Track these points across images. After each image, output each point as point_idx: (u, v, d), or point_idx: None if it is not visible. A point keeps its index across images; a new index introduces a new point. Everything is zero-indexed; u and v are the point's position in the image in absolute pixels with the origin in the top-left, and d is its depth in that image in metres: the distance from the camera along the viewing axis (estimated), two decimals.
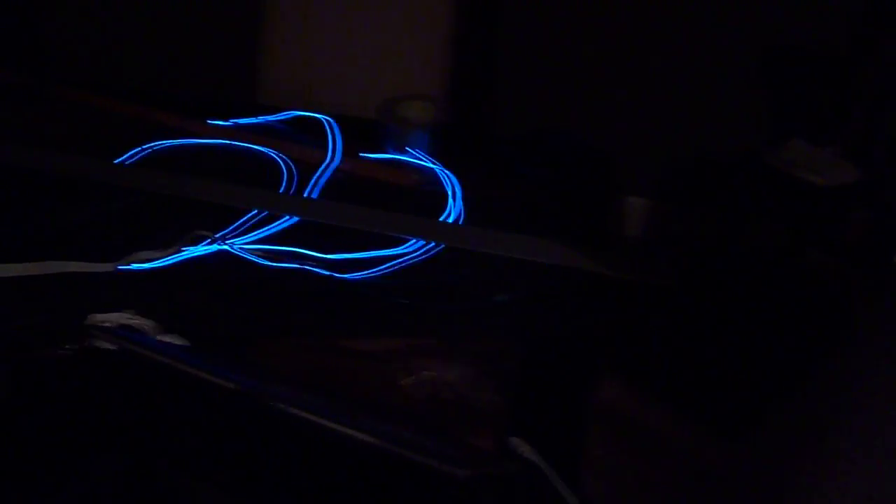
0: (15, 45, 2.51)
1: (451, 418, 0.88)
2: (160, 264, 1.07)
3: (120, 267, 1.06)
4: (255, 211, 1.17)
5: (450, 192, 1.23)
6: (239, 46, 1.79)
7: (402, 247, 1.12)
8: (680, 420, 1.59)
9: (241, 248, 1.09)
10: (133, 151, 1.31)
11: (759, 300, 1.78)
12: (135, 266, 1.06)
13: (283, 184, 1.25)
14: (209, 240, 1.10)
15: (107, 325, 0.96)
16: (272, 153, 1.32)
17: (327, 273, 1.06)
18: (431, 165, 1.29)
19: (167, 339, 0.94)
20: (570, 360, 0.99)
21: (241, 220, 1.15)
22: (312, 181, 1.25)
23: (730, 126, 2.15)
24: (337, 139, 1.35)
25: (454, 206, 1.21)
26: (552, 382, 0.95)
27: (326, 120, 1.39)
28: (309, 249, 1.09)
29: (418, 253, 1.10)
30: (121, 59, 2.38)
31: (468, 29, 1.72)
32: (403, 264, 1.09)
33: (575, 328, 1.04)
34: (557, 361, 0.99)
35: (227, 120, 1.40)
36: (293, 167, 1.29)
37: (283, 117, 1.43)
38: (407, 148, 1.33)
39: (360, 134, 1.37)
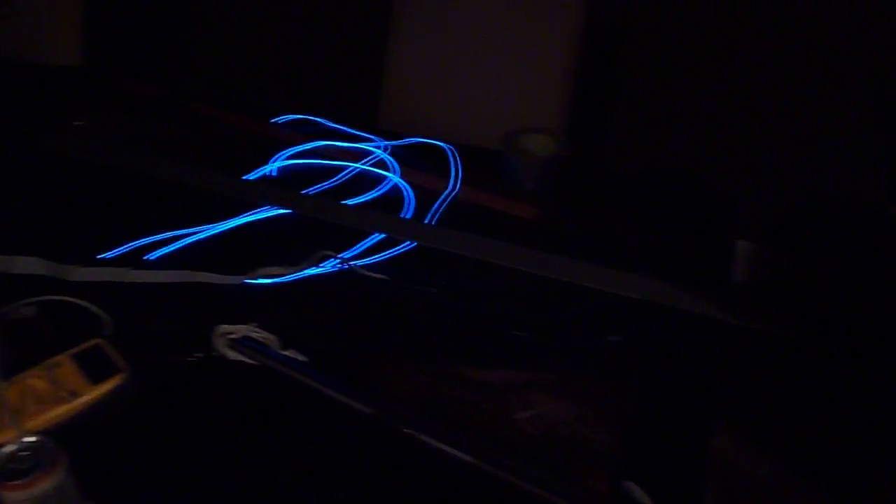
0: (158, 62, 2.65)
1: (564, 456, 0.87)
2: (285, 280, 1.10)
3: (246, 281, 1.09)
4: (378, 234, 1.19)
5: (566, 227, 1.23)
6: (364, 71, 1.83)
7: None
8: (794, 476, 1.53)
9: (363, 270, 1.11)
10: (262, 169, 1.35)
11: (882, 357, 1.71)
12: (261, 281, 1.09)
13: (404, 208, 1.27)
14: (333, 260, 1.12)
15: (233, 336, 0.99)
16: (394, 178, 1.34)
17: (447, 300, 1.07)
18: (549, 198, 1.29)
19: (287, 354, 0.97)
20: (686, 406, 0.97)
21: (364, 243, 1.17)
22: (434, 208, 1.26)
23: (852, 177, 2.08)
24: (458, 167, 1.36)
25: (570, 240, 1.21)
26: (667, 427, 0.93)
27: (448, 148, 1.40)
28: (429, 275, 1.10)
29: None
30: (252, 80, 2.48)
31: (590, 64, 1.72)
32: (521, 296, 1.09)
33: (691, 374, 1.02)
34: (673, 406, 0.97)
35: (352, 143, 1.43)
36: (413, 193, 1.30)
37: (404, 143, 1.45)
38: (527, 180, 1.34)
39: (479, 163, 1.38)
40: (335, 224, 1.23)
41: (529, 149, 1.38)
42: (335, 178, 1.34)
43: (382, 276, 1.11)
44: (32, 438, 0.73)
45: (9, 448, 0.73)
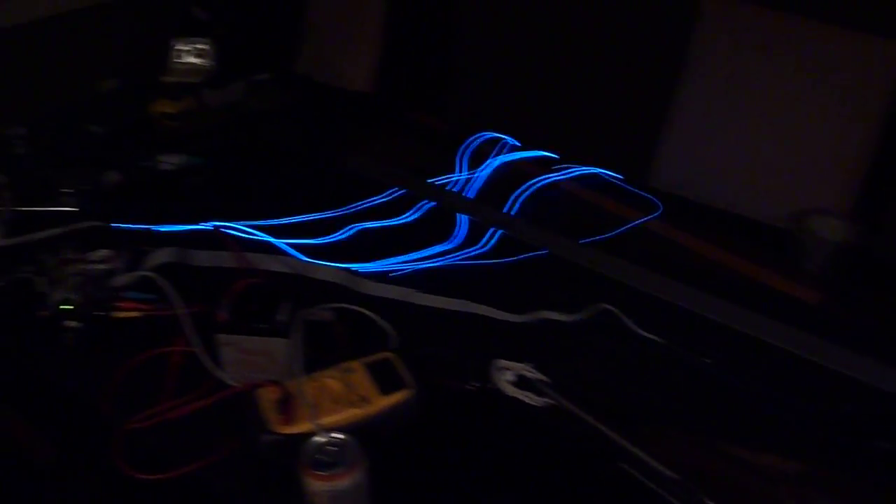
0: (441, 96, 2.80)
1: None
2: (564, 322, 1.11)
3: (526, 320, 1.12)
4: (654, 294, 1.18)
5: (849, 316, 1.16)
6: (643, 126, 1.83)
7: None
8: None
9: (639, 329, 1.10)
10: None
11: None
12: (539, 322, 1.11)
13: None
14: (608, 314, 1.12)
15: (509, 371, 1.01)
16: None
17: (722, 373, 1.04)
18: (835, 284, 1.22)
19: (555, 399, 0.97)
20: None
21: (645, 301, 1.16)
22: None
23: None
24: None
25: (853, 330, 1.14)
26: None
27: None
28: (705, 345, 1.08)
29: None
30: (528, 119, 2.54)
31: (886, 150, 1.62)
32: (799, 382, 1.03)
33: None
34: None
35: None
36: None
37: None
38: (813, 263, 1.28)
39: (759, 238, 1.34)
40: (613, 278, 1.22)
41: (819, 231, 1.31)
42: (611, 232, 1.35)
43: (658, 339, 1.09)
44: (340, 436, 0.78)
45: (319, 440, 0.78)
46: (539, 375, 1.01)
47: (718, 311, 1.16)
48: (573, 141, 1.94)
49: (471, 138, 1.60)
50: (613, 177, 1.51)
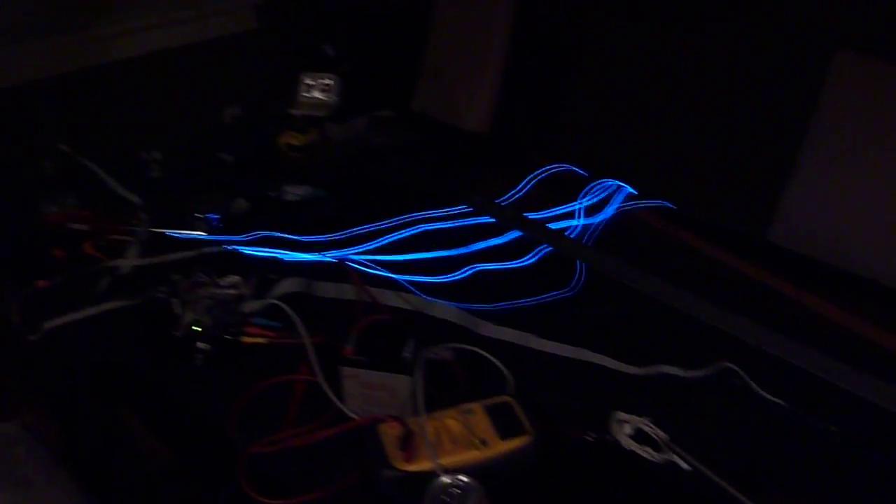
0: (548, 137, 2.82)
1: None
2: (682, 378, 1.09)
3: (643, 373, 1.11)
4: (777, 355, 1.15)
5: None
6: (765, 184, 1.80)
7: None
8: None
9: (761, 391, 1.08)
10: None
11: None
12: (657, 375, 1.10)
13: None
14: (731, 373, 1.10)
15: (627, 424, 1.00)
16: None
17: (847, 443, 1.00)
18: None
19: (674, 456, 0.96)
20: None
21: (763, 361, 1.13)
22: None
23: None
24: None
25: None
26: None
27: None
28: (830, 412, 1.04)
29: None
30: (646, 170, 2.53)
31: None
32: None
33: None
34: None
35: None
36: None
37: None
38: None
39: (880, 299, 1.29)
40: (736, 337, 1.20)
41: None
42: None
43: (782, 402, 1.06)
44: (465, 479, 0.79)
45: (444, 480, 0.79)
46: (658, 430, 1.00)
47: (845, 377, 1.12)
48: (692, 192, 1.92)
49: (592, 184, 1.60)
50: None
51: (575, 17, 2.75)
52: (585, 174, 1.64)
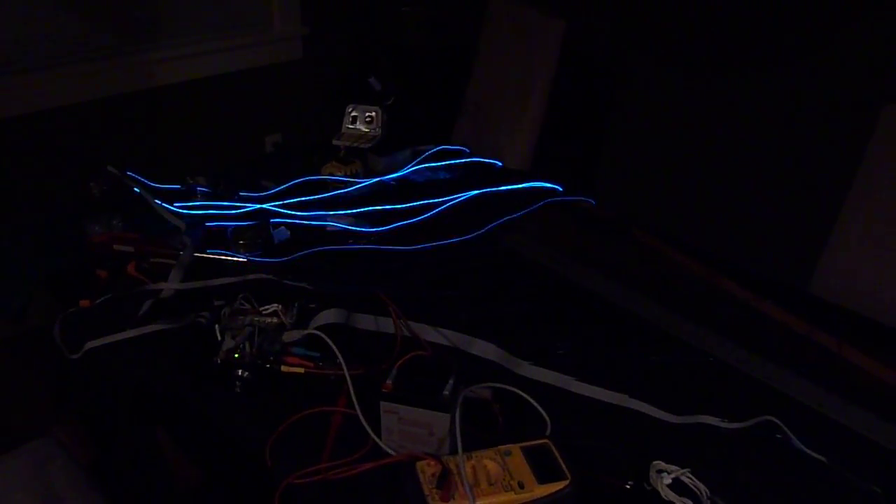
0: (590, 183, 2.83)
1: None
2: (723, 430, 1.08)
3: (683, 422, 1.09)
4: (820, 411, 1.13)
5: None
6: (807, 235, 1.79)
7: None
8: None
9: (802, 446, 1.06)
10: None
11: None
12: (698, 425, 1.09)
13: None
14: (772, 426, 1.08)
15: (665, 474, 0.99)
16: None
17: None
18: None
19: None
20: None
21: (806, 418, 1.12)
22: None
23: None
24: None
25: None
26: None
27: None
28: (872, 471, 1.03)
29: None
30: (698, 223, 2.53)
31: None
32: None
33: None
34: None
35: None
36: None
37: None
38: None
39: None
40: (778, 390, 1.18)
41: None
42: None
43: (822, 458, 1.05)
44: None
45: None
46: (697, 481, 0.98)
47: (887, 435, 1.10)
48: (736, 242, 1.91)
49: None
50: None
51: (619, 61, 2.77)
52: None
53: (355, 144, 1.79)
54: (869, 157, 1.60)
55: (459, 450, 0.93)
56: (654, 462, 1.01)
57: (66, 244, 1.49)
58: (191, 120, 2.73)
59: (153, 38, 2.60)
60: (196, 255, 1.44)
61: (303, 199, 1.68)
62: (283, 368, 1.16)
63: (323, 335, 1.15)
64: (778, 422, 1.08)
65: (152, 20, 2.58)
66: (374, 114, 1.82)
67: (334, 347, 1.11)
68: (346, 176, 1.75)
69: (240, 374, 1.13)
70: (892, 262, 1.59)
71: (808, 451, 1.05)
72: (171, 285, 1.36)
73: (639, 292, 1.40)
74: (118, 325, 1.26)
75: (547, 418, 1.08)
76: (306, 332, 1.19)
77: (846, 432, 1.11)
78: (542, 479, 0.93)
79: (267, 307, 1.24)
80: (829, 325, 1.33)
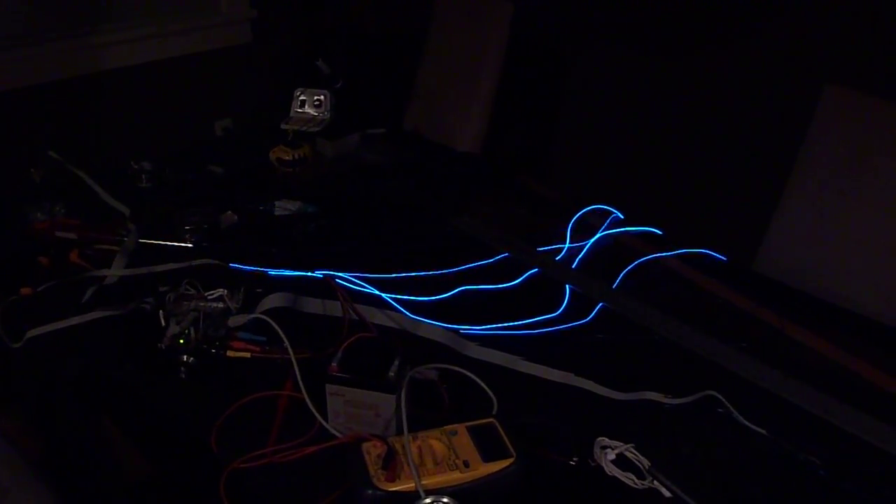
0: (541, 164, 2.84)
1: None
2: (666, 405, 1.10)
3: (627, 398, 1.11)
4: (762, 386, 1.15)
5: None
6: (752, 214, 1.81)
7: None
8: None
9: (744, 420, 1.08)
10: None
11: None
12: (641, 401, 1.10)
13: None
14: (714, 401, 1.10)
15: (609, 450, 1.00)
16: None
17: (827, 476, 1.01)
18: None
19: (655, 483, 0.96)
20: None
21: (748, 392, 1.14)
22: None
23: None
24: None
25: None
26: None
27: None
28: (813, 444, 1.05)
29: None
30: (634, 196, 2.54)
31: None
32: None
33: None
34: None
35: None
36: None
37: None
38: None
39: (864, 333, 1.30)
40: (720, 365, 1.20)
41: None
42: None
43: (762, 431, 1.07)
44: (447, 500, 0.79)
45: (426, 501, 0.79)
46: (640, 457, 1.00)
47: (826, 408, 1.13)
48: (680, 219, 1.92)
49: (582, 210, 1.61)
50: (718, 258, 1.49)
51: (569, 42, 2.78)
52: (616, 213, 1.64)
53: (304, 128, 1.77)
54: (810, 137, 1.62)
55: (405, 430, 0.94)
56: (599, 438, 1.02)
57: (7, 231, 1.46)
58: (137, 105, 2.68)
59: (98, 22, 2.54)
60: (140, 241, 1.42)
61: None
62: (229, 353, 1.15)
63: (269, 319, 1.14)
64: (720, 397, 1.10)
65: (97, 3, 2.52)
66: (322, 97, 1.81)
67: (280, 331, 1.11)
68: (294, 160, 1.74)
69: (185, 359, 1.12)
70: (833, 241, 1.62)
71: (750, 425, 1.07)
72: (115, 272, 1.34)
73: (583, 271, 1.41)
74: (61, 313, 1.24)
75: (493, 398, 1.09)
76: (252, 316, 1.18)
77: (786, 406, 1.13)
78: (488, 457, 0.93)
79: (212, 292, 1.23)
80: (771, 303, 1.35)
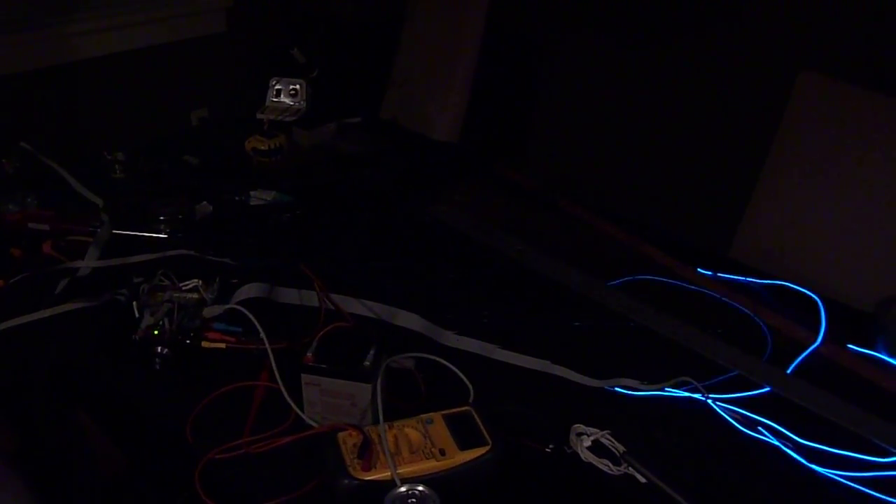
0: (517, 152, 2.84)
1: None
2: (643, 395, 1.10)
3: (606, 387, 1.11)
4: (735, 371, 1.16)
5: None
6: (727, 201, 1.83)
7: (886, 458, 1.03)
8: None
9: (719, 404, 1.09)
10: (624, 279, 1.38)
11: None
12: (619, 390, 1.11)
13: (768, 352, 1.23)
14: (692, 388, 1.11)
15: (584, 436, 1.00)
16: (754, 317, 1.31)
17: (798, 458, 1.02)
18: None
19: (630, 469, 0.97)
20: None
21: (722, 378, 1.15)
22: (799, 360, 1.21)
23: None
24: (824, 321, 1.30)
25: None
26: None
27: (819, 300, 1.34)
28: (785, 427, 1.06)
29: None
30: (624, 192, 2.56)
31: None
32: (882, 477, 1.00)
33: None
34: None
35: (711, 271, 1.42)
36: (769, 336, 1.27)
37: (769, 283, 1.41)
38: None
39: (844, 322, 1.31)
40: (695, 351, 1.21)
41: None
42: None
43: (736, 416, 1.08)
44: (422, 488, 0.79)
45: (401, 490, 0.79)
46: (616, 443, 1.00)
47: (800, 392, 1.14)
48: (656, 206, 1.94)
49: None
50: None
51: (545, 30, 2.78)
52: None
53: (279, 118, 1.76)
54: (785, 123, 1.63)
55: (381, 419, 0.93)
56: (575, 425, 1.02)
57: None
58: (111, 95, 2.65)
59: (70, 11, 2.51)
60: (114, 232, 1.41)
61: None
62: (204, 344, 1.14)
63: (244, 309, 1.13)
64: (694, 382, 1.10)
65: None
66: (298, 87, 1.79)
67: (255, 321, 1.10)
68: (269, 150, 1.73)
69: (159, 350, 1.11)
70: (808, 227, 1.64)
71: (723, 413, 1.08)
72: (89, 263, 1.33)
73: (563, 260, 1.42)
74: (33, 305, 1.22)
75: (470, 386, 1.09)
76: (227, 306, 1.18)
77: (760, 391, 1.14)
78: (464, 445, 0.93)
79: (187, 283, 1.22)
80: (746, 289, 1.36)
